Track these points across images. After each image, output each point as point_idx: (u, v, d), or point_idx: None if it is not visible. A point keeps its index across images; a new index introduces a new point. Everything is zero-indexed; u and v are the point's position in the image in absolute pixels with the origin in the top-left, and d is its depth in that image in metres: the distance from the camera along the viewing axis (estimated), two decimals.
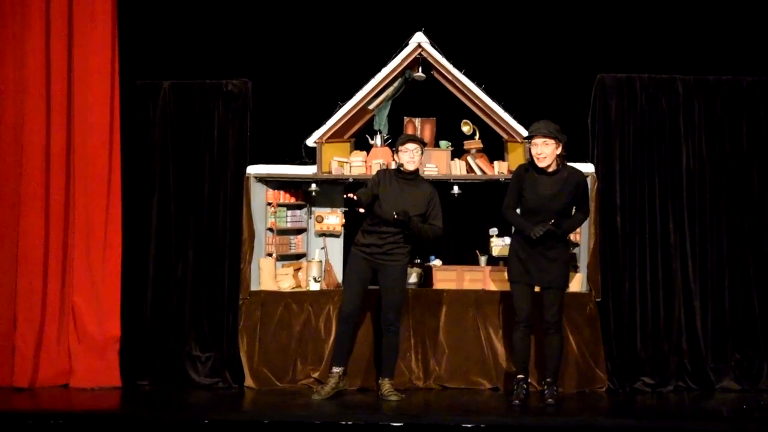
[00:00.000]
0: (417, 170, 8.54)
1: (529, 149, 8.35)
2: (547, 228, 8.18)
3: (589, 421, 7.84)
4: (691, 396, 8.90)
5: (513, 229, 8.60)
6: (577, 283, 9.01)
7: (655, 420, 7.99)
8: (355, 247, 8.55)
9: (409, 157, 8.45)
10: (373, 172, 9.08)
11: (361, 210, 8.39)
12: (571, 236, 9.07)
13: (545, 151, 8.26)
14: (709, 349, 9.06)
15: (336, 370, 8.53)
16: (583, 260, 9.03)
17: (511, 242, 8.51)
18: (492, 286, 9.04)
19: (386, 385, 8.51)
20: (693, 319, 9.07)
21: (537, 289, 8.45)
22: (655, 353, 9.04)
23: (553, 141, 8.25)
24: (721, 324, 9.09)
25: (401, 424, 7.57)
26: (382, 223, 8.41)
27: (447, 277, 9.13)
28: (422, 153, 8.52)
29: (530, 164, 8.38)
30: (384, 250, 8.43)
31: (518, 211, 8.45)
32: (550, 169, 8.29)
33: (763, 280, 9.12)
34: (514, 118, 9.03)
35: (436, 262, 9.27)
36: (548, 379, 8.40)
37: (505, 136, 9.17)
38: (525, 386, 8.41)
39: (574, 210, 8.42)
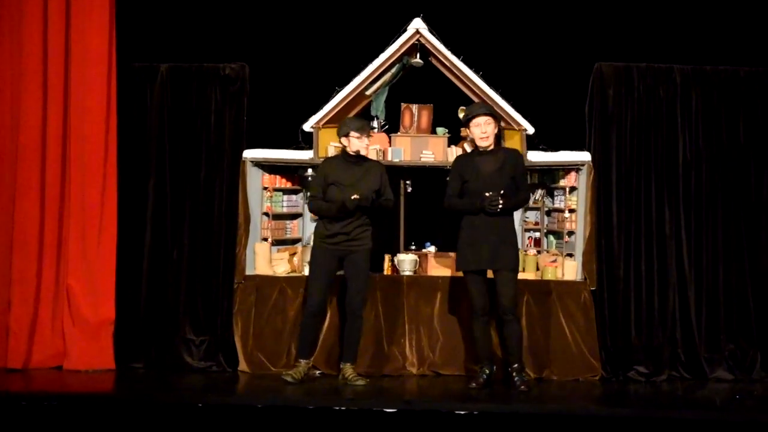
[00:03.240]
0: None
1: (470, 131, 8.38)
2: (494, 196, 8.16)
3: (582, 409, 7.84)
4: (685, 385, 8.92)
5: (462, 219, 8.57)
6: (572, 272, 9.02)
7: (649, 409, 7.99)
8: (319, 240, 8.48)
9: (362, 143, 8.46)
10: (370, 158, 9.08)
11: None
12: (567, 224, 9.10)
13: (488, 130, 8.34)
14: (702, 339, 9.08)
15: (303, 362, 8.52)
16: (578, 249, 9.03)
17: (459, 232, 8.46)
18: (487, 274, 9.02)
19: (349, 370, 8.50)
20: (687, 309, 9.08)
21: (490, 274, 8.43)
22: (649, 342, 9.05)
23: (493, 120, 8.33)
24: (715, 314, 9.10)
25: (395, 410, 7.57)
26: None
27: (442, 264, 9.13)
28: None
29: (471, 153, 8.49)
30: (352, 236, 8.42)
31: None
32: (490, 149, 8.34)
33: (757, 270, 9.13)
34: (512, 105, 9.02)
35: (431, 249, 9.26)
36: (515, 365, 8.37)
37: (502, 123, 9.16)
38: (487, 371, 8.43)
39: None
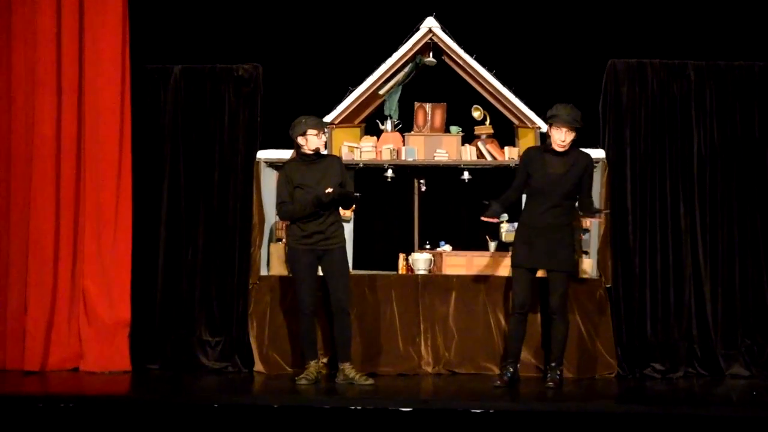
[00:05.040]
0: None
1: (550, 130, 8.35)
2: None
3: (598, 406, 7.83)
4: (701, 382, 8.89)
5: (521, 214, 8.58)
6: (587, 269, 9.00)
7: (665, 406, 7.97)
8: (295, 242, 8.44)
9: (321, 141, 8.43)
10: (384, 157, 9.09)
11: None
12: (581, 222, 9.07)
13: (568, 139, 8.30)
14: (719, 336, 9.04)
15: (313, 362, 8.52)
16: (594, 246, 9.02)
17: (518, 227, 8.51)
18: (502, 272, 9.02)
19: (352, 370, 8.47)
20: (703, 305, 9.05)
21: (542, 273, 8.43)
22: (665, 339, 9.03)
23: (575, 132, 8.28)
24: (731, 310, 9.07)
25: (410, 409, 7.56)
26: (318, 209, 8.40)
27: (457, 263, 9.11)
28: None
29: (541, 147, 8.45)
30: (327, 234, 8.41)
31: (524, 195, 8.52)
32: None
33: None
34: (525, 103, 9.00)
35: (446, 248, 9.25)
36: (552, 364, 8.41)
37: (515, 121, 9.15)
38: (512, 369, 8.42)
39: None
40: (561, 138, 8.30)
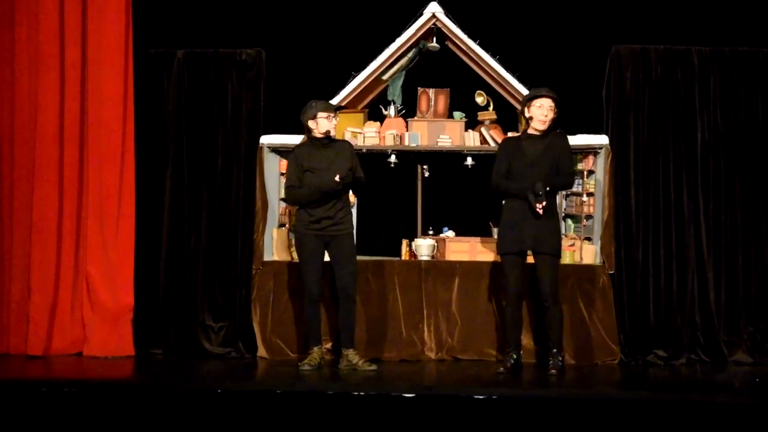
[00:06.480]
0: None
1: (530, 112, 8.33)
2: (541, 198, 8.16)
3: (601, 393, 7.83)
4: (704, 369, 8.89)
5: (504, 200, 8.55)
6: (591, 255, 9.00)
7: (668, 392, 7.98)
8: (303, 227, 8.42)
9: (331, 124, 8.43)
10: (387, 143, 9.08)
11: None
12: (585, 208, 9.08)
13: (551, 115, 8.30)
14: (722, 322, 9.05)
15: (316, 348, 8.52)
16: (597, 232, 9.01)
17: (502, 215, 8.47)
18: (526, 259, 8.96)
19: (355, 356, 8.47)
20: (706, 291, 9.05)
21: (530, 259, 8.41)
22: (668, 326, 9.03)
23: (555, 107, 8.30)
24: (734, 297, 9.07)
25: (413, 395, 7.57)
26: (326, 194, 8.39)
27: (460, 249, 9.11)
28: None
29: (518, 137, 8.50)
30: (336, 219, 8.39)
31: None
32: (541, 133, 8.32)
33: None
34: (529, 89, 8.97)
35: (449, 234, 9.25)
36: (553, 350, 8.40)
37: (519, 107, 9.14)
38: (515, 356, 8.41)
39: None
40: (544, 113, 8.30)
